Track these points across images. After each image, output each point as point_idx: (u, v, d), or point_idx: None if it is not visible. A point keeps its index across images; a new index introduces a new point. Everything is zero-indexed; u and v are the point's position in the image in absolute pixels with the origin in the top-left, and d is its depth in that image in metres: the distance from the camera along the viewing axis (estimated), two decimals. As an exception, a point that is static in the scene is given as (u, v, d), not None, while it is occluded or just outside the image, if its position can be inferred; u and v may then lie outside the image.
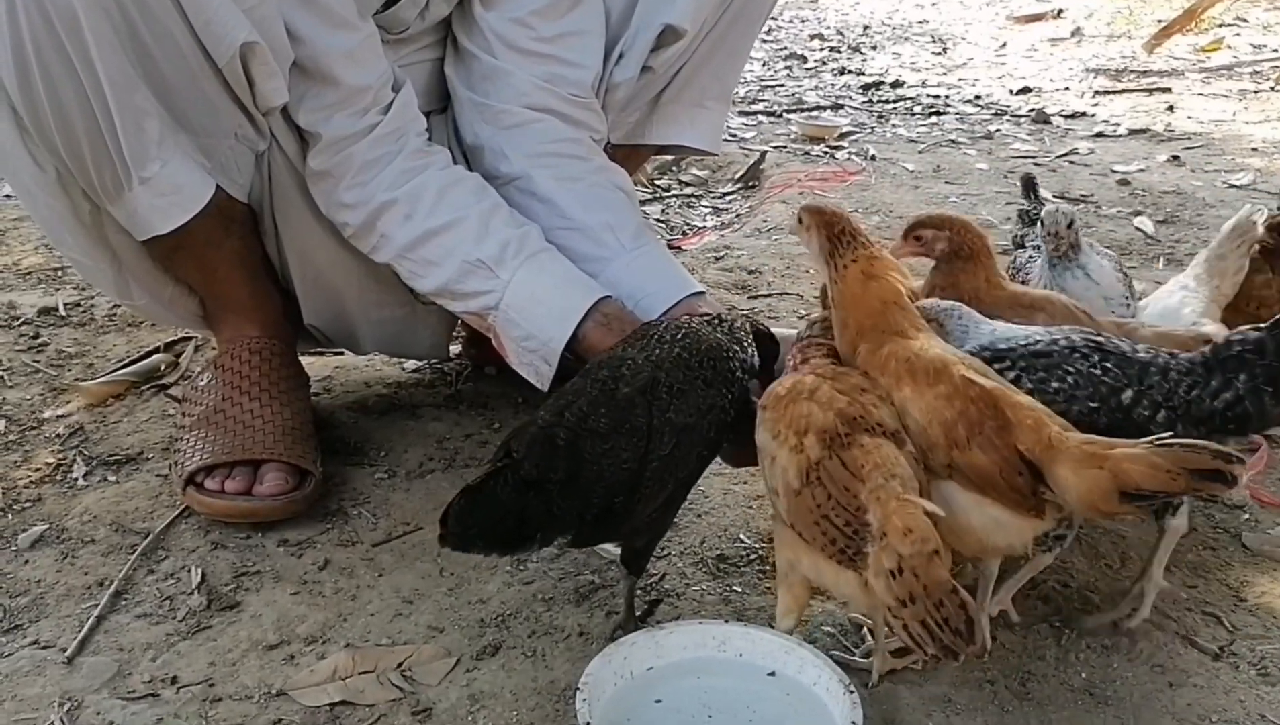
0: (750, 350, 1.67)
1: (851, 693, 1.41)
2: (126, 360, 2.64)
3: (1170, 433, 1.42)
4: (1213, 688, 1.59)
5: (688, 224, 4.09)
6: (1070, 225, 2.09)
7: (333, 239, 2.08)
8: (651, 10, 2.11)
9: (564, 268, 1.94)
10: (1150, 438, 1.39)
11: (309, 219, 2.07)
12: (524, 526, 1.46)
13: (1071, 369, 1.56)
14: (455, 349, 2.62)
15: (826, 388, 1.51)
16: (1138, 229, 3.69)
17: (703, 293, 2.03)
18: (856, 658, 1.61)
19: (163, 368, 2.61)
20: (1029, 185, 2.72)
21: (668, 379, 1.56)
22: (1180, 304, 2.13)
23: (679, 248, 3.69)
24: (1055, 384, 1.56)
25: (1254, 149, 4.81)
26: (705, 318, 1.70)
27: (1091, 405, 1.54)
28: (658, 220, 4.05)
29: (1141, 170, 4.45)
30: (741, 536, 1.96)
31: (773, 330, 1.80)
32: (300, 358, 2.32)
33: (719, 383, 1.60)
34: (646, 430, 1.52)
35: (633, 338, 1.65)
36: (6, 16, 1.60)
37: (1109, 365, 1.56)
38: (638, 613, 1.72)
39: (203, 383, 2.15)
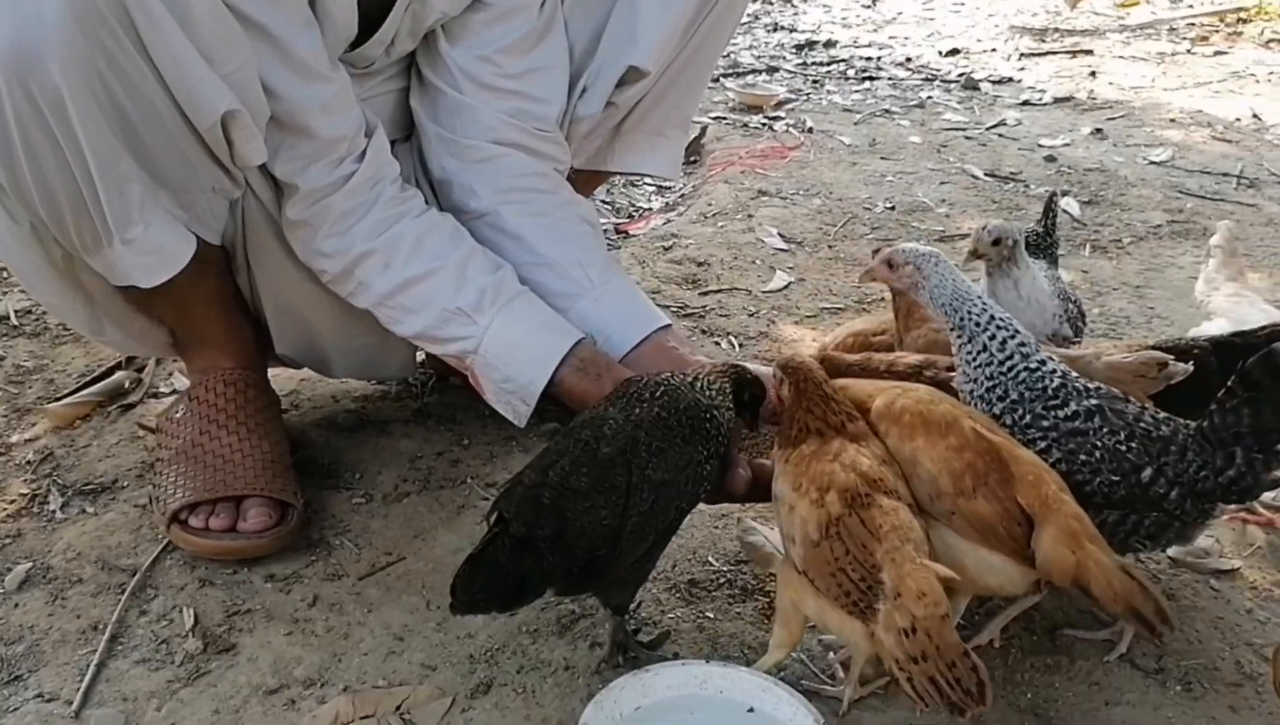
0: (729, 411, 1.76)
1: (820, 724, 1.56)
2: (89, 377, 2.65)
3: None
4: (1143, 704, 1.75)
5: (633, 205, 4.14)
6: (996, 242, 2.26)
7: (307, 279, 2.11)
8: (615, 49, 2.15)
9: (540, 313, 2.01)
10: (1133, 559, 1.55)
11: (283, 260, 2.10)
12: (522, 584, 1.57)
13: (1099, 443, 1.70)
14: (419, 357, 2.66)
15: (851, 452, 1.63)
16: (1064, 211, 3.82)
17: (669, 326, 2.12)
18: (827, 686, 1.75)
19: (127, 385, 2.62)
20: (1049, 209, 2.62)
21: (647, 438, 1.65)
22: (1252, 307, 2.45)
23: (627, 233, 3.75)
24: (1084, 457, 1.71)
25: (1172, 120, 4.99)
26: (684, 374, 1.78)
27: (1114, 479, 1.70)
28: (603, 201, 4.09)
29: (1067, 144, 4.60)
30: (710, 559, 2.07)
31: (751, 369, 1.87)
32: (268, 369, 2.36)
33: (696, 439, 1.69)
34: (626, 488, 1.61)
35: (615, 395, 1.73)
36: None
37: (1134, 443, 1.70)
38: (645, 642, 1.83)
39: (178, 415, 2.19)
